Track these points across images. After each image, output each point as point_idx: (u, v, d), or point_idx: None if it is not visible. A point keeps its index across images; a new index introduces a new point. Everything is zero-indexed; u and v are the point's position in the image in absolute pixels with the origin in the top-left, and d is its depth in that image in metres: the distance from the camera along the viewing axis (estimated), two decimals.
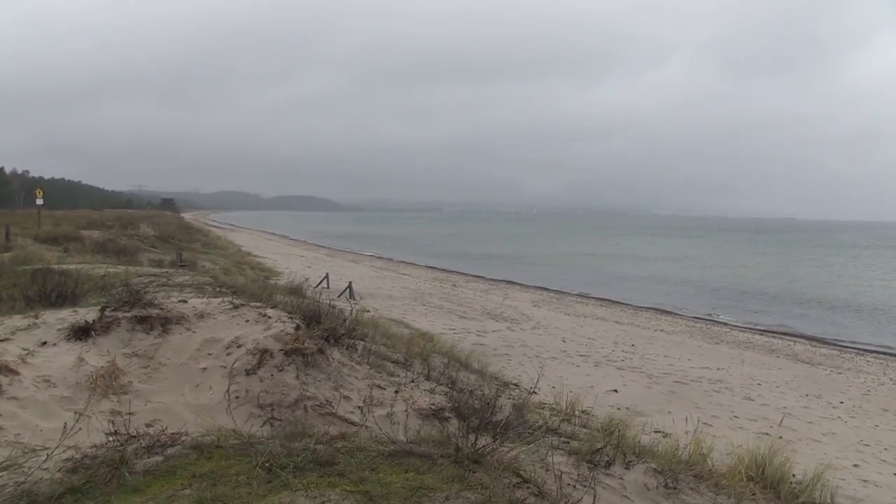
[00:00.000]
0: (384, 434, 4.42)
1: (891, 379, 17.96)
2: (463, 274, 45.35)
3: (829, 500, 5.51)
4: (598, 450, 5.01)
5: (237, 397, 5.36)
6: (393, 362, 7.56)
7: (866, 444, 11.14)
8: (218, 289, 10.18)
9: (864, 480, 9.08)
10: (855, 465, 9.79)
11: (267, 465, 3.73)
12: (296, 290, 12.63)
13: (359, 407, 5.34)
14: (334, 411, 5.31)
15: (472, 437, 4.17)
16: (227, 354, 6.04)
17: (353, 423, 5.06)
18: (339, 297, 21.74)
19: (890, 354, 23.18)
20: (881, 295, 42.08)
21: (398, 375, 6.89)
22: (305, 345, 5.99)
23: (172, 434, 4.16)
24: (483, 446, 4.15)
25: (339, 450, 4.04)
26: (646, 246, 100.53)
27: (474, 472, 3.86)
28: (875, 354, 22.96)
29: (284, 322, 6.68)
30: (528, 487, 3.89)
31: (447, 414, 5.45)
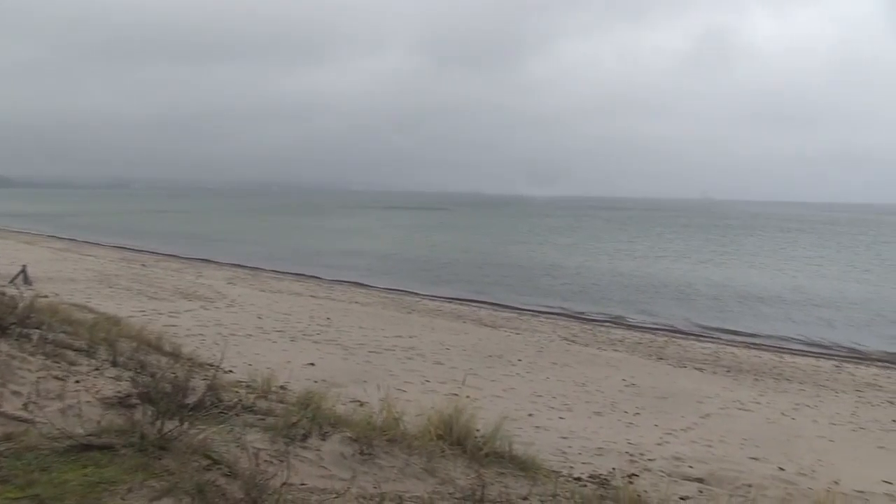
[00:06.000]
0: (59, 429, 4.07)
1: (559, 336, 20.20)
2: (153, 253, 42.71)
3: (507, 448, 6.02)
4: (294, 423, 5.06)
5: None
6: (75, 350, 6.97)
7: (539, 395, 12.45)
8: None
9: (537, 427, 10.18)
10: (530, 415, 10.92)
11: None
12: None
13: (28, 402, 4.85)
14: (1, 410, 4.77)
15: (158, 422, 3.99)
16: None
17: (24, 421, 4.58)
18: (10, 282, 19.50)
19: (560, 314, 26.11)
20: (538, 257, 47.11)
21: (80, 364, 6.38)
22: None
23: None
24: (170, 431, 3.98)
25: (2, 453, 3.65)
26: (338, 220, 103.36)
27: (160, 459, 3.71)
28: (547, 315, 25.69)
29: None
30: (219, 468, 3.82)
31: (134, 401, 5.15)
